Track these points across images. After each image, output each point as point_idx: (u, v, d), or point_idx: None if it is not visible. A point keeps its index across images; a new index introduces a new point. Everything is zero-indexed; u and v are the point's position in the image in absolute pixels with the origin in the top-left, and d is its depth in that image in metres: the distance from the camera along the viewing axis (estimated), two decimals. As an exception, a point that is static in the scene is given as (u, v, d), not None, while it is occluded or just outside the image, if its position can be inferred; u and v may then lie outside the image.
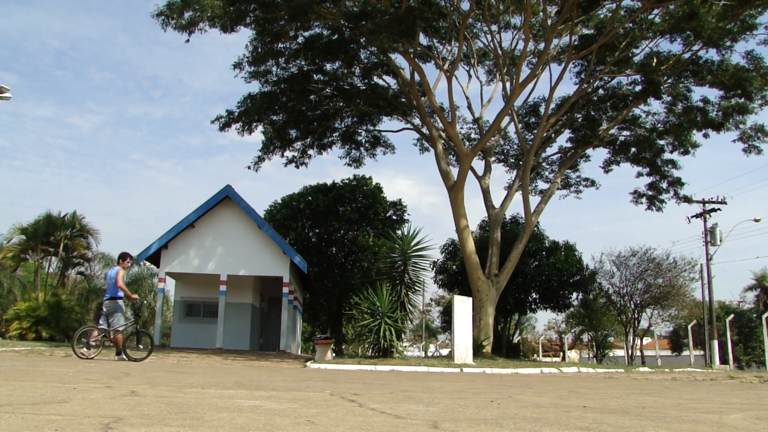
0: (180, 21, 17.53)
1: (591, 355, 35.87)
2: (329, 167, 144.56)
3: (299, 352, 28.86)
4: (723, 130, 22.16)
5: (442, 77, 21.31)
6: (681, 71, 21.29)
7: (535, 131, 22.06)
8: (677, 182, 25.45)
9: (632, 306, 32.87)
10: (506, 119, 22.54)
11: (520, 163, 23.87)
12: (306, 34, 19.82)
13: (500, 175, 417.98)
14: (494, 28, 21.37)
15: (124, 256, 11.31)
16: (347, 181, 29.83)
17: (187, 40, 17.98)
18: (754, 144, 22.53)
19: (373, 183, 29.94)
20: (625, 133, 24.80)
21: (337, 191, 29.13)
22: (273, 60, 20.62)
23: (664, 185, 25.67)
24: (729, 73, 20.02)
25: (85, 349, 10.48)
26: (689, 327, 28.42)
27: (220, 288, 19.97)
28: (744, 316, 39.82)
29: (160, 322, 21.05)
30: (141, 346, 11.22)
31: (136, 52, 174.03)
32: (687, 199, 26.78)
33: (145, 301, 11.30)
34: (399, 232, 24.87)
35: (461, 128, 25.54)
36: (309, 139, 23.94)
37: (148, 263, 23.77)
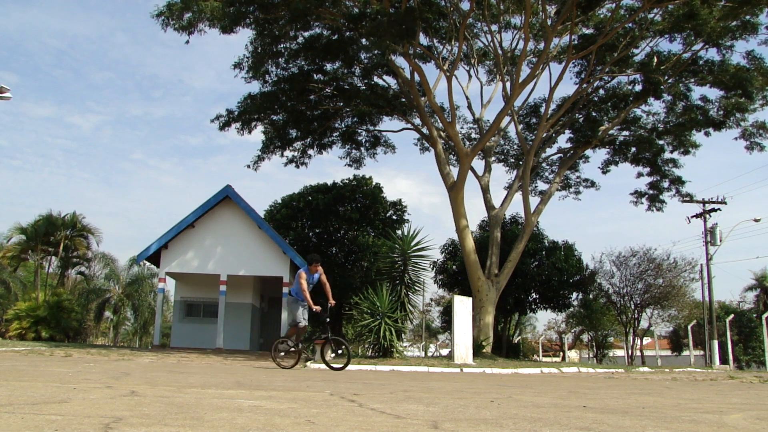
0: (180, 22, 17.54)
1: (591, 355, 35.86)
2: (329, 167, 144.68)
3: (299, 352, 28.82)
4: (724, 128, 22.15)
5: (442, 77, 21.31)
6: (681, 71, 21.29)
7: (536, 131, 22.06)
8: (678, 181, 25.45)
9: (632, 306, 32.86)
10: (506, 119, 22.54)
11: (520, 163, 23.87)
12: (306, 34, 19.83)
13: (500, 175, 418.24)
14: (494, 28, 21.37)
15: (310, 261, 10.22)
16: (347, 181, 29.79)
17: (187, 42, 18.01)
18: (756, 141, 22.53)
19: (373, 183, 29.90)
20: (625, 133, 24.80)
21: (337, 191, 29.09)
22: (273, 60, 20.62)
23: (665, 184, 25.67)
24: (729, 73, 20.01)
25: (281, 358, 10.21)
26: (689, 327, 28.42)
27: (220, 288, 19.98)
28: (744, 316, 39.82)
29: (160, 322, 21.07)
30: (339, 351, 10.30)
31: (135, 51, 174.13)
32: (689, 197, 26.72)
33: (327, 304, 9.96)
34: (399, 232, 24.86)
35: (461, 128, 25.56)
36: (309, 139, 23.94)
37: (148, 263, 23.77)
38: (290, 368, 9.89)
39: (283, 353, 10.24)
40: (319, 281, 10.31)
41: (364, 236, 28.04)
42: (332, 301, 9.97)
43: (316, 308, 9.72)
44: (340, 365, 9.85)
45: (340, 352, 10.16)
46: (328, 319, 9.95)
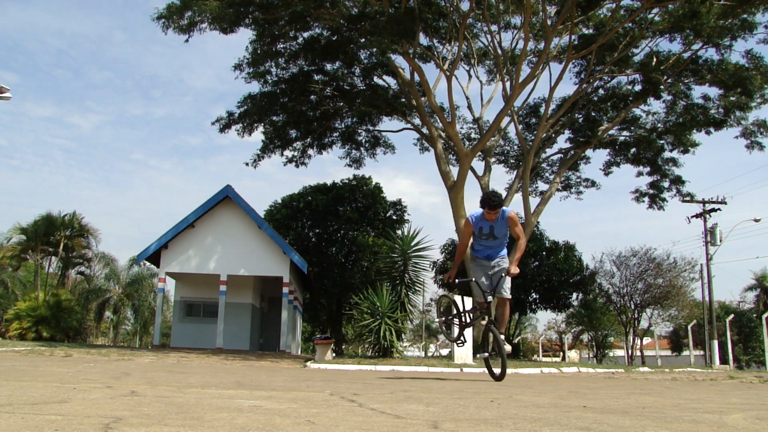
0: (180, 24, 17.56)
1: (591, 355, 35.89)
2: (329, 167, 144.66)
3: (299, 352, 28.86)
4: (725, 127, 22.14)
5: (442, 77, 21.31)
6: (681, 71, 21.30)
7: (535, 131, 22.06)
8: (678, 180, 25.46)
9: (632, 306, 32.89)
10: (506, 119, 22.54)
11: (520, 163, 23.87)
12: (306, 34, 19.85)
13: (500, 176, 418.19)
14: (494, 27, 21.36)
15: (483, 201, 6.73)
16: (347, 181, 29.84)
17: (187, 40, 18.03)
18: (756, 140, 22.51)
19: (373, 183, 29.97)
20: (625, 133, 24.81)
21: (336, 191, 29.14)
22: (273, 61, 20.65)
23: (666, 184, 25.68)
24: (729, 72, 20.03)
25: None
26: (689, 327, 28.44)
27: (220, 288, 19.99)
28: (744, 316, 39.87)
29: (160, 322, 21.09)
30: (493, 352, 6.81)
31: (134, 51, 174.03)
32: (689, 197, 26.71)
33: (503, 272, 6.40)
34: (399, 232, 24.88)
35: (461, 128, 25.56)
36: (309, 139, 23.97)
37: (148, 263, 23.79)
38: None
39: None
40: (509, 234, 6.89)
41: (364, 236, 28.07)
42: (514, 270, 6.47)
43: (447, 276, 6.82)
44: (497, 370, 6.65)
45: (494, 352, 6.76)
46: (489, 298, 6.58)
